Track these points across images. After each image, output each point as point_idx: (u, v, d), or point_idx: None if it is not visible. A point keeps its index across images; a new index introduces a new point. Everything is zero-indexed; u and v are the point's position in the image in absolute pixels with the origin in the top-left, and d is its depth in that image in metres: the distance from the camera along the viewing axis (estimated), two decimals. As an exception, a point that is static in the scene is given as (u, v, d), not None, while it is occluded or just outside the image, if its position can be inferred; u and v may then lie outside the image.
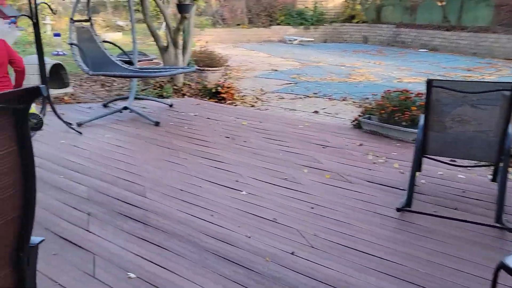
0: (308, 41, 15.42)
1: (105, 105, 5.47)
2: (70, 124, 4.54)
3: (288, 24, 16.53)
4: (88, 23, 5.01)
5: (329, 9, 17.06)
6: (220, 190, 3.06)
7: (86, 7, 4.98)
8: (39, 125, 3.55)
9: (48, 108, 4.34)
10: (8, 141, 1.10)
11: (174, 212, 2.71)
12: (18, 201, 1.15)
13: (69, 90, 6.36)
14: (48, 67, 6.12)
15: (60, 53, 3.96)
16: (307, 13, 16.64)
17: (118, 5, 23.05)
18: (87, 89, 6.76)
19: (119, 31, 17.56)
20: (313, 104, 6.32)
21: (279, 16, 16.71)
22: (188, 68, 5.94)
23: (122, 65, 5.02)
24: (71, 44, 4.64)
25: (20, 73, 3.41)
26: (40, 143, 3.96)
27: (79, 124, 4.54)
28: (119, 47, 5.26)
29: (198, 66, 6.78)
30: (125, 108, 4.91)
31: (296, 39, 15.47)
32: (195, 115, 5.13)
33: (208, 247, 2.32)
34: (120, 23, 19.43)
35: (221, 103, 5.93)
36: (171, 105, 5.50)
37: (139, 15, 7.93)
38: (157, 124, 4.64)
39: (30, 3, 3.95)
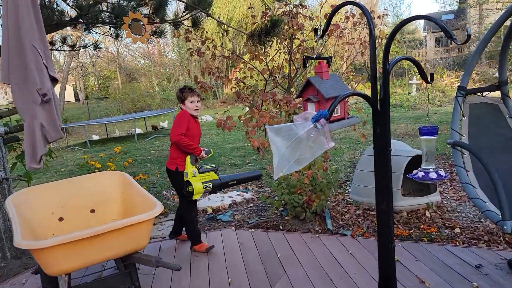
0: None
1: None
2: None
3: None
4: (496, 95, 2.25)
5: None
6: None
7: (499, 59, 2.25)
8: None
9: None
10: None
11: None
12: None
13: (435, 198, 3.79)
14: (405, 160, 3.78)
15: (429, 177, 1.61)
16: None
17: None
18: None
19: None
20: None
21: None
22: None
23: None
24: (454, 145, 2.02)
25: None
26: None
27: None
28: None
29: None
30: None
31: None
32: None
33: None
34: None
35: None
36: None
37: None
38: None
39: (372, 67, 1.63)
